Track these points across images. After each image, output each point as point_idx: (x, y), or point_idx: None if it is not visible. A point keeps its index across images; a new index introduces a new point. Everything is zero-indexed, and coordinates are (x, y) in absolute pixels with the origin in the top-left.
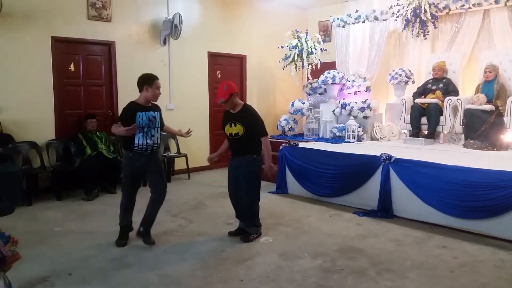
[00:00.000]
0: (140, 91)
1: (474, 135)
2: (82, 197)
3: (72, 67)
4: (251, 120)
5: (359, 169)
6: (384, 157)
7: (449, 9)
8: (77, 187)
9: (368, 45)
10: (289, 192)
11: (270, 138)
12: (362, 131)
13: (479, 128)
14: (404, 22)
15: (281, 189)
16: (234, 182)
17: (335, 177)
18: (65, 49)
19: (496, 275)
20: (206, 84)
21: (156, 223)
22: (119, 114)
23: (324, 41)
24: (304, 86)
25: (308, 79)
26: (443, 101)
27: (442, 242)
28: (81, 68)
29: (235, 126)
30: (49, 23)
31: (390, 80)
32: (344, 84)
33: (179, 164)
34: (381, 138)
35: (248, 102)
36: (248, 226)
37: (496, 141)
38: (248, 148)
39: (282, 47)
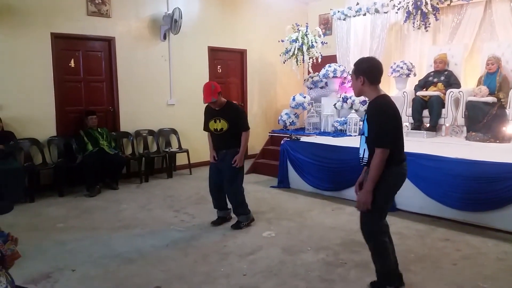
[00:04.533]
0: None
1: (476, 127)
2: (84, 193)
3: (72, 64)
4: (234, 116)
5: None
6: None
7: (451, 1)
8: (79, 183)
9: (369, 38)
10: (291, 187)
11: (271, 133)
12: None
13: (481, 120)
14: (405, 15)
15: (283, 184)
16: (218, 174)
17: (337, 171)
18: (65, 45)
19: (499, 267)
20: (207, 79)
21: (159, 218)
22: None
23: (324, 34)
24: (305, 80)
25: (309, 72)
26: (445, 94)
27: (444, 235)
28: (81, 64)
29: (220, 121)
30: (48, 19)
31: (392, 73)
32: (345, 77)
33: (181, 159)
34: None
35: (249, 97)
36: (238, 215)
37: (498, 133)
38: (232, 142)
39: (282, 41)
